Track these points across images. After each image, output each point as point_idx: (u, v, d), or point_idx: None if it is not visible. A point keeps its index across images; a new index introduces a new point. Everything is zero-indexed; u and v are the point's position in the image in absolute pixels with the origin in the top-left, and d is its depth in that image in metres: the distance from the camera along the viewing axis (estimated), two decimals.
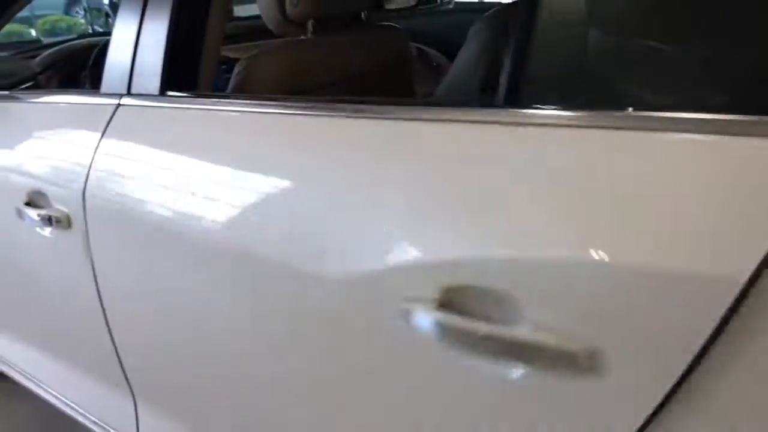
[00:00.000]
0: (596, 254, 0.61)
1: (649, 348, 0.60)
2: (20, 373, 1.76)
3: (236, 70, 1.28)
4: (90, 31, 11.37)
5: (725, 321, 0.55)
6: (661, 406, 0.60)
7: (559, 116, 0.69)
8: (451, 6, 3.21)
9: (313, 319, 0.88)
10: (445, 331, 0.72)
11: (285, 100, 1.04)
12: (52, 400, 1.69)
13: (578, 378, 0.64)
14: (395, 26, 1.52)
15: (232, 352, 1.07)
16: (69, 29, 11.44)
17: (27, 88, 1.94)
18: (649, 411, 0.61)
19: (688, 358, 0.57)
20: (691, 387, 0.58)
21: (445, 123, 0.79)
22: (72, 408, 1.59)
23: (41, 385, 1.67)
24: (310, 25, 1.31)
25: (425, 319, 0.73)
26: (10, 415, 2.10)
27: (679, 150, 0.60)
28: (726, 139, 0.58)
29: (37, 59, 2.12)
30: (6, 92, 1.60)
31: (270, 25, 1.30)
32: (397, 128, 0.84)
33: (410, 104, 0.91)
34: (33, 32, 9.90)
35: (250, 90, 1.26)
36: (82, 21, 12.11)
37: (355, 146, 0.87)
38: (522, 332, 0.66)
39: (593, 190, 0.64)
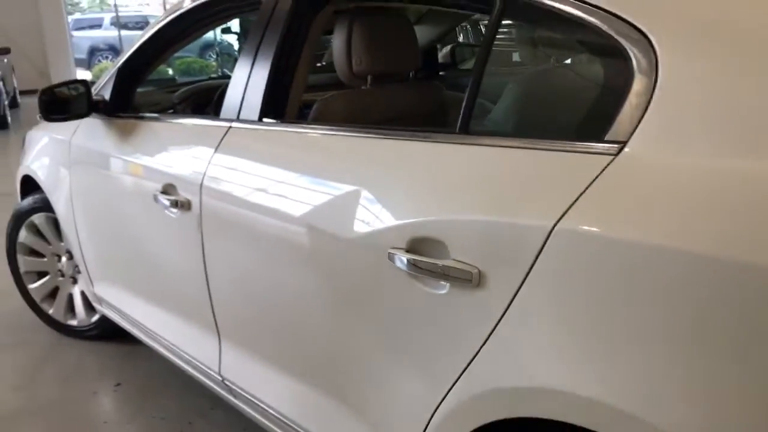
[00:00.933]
0: (474, 215, 1.06)
1: (503, 272, 1.03)
2: (135, 325, 2.32)
3: (314, 106, 1.78)
4: (219, 72, 12.56)
5: (536, 258, 0.98)
6: (507, 308, 1.03)
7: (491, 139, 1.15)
8: None
9: (344, 265, 1.35)
10: (410, 265, 1.17)
11: (345, 128, 1.52)
12: (157, 347, 2.23)
13: (474, 289, 1.08)
14: (435, 83, 2.00)
15: (293, 304, 1.54)
16: (201, 70, 12.70)
17: (168, 114, 2.55)
18: (503, 308, 1.04)
19: (519, 278, 1.00)
20: (522, 296, 1.01)
21: (421, 142, 1.26)
22: (171, 350, 2.12)
23: (150, 332, 2.21)
24: (369, 79, 1.82)
25: (401, 258, 1.19)
26: (134, 370, 2.69)
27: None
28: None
29: (176, 94, 2.76)
30: (155, 115, 2.20)
31: (341, 77, 1.82)
32: (400, 147, 1.31)
33: (419, 132, 1.37)
34: (170, 71, 11.10)
35: (322, 121, 1.76)
36: (213, 63, 13.37)
37: (379, 160, 1.35)
38: (447, 263, 1.11)
39: (487, 184, 1.09)
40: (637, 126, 0.96)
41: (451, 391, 1.15)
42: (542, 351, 1.00)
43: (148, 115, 2.21)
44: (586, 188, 0.96)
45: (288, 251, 1.50)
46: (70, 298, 2.92)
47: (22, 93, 12.25)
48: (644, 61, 0.98)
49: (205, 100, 2.68)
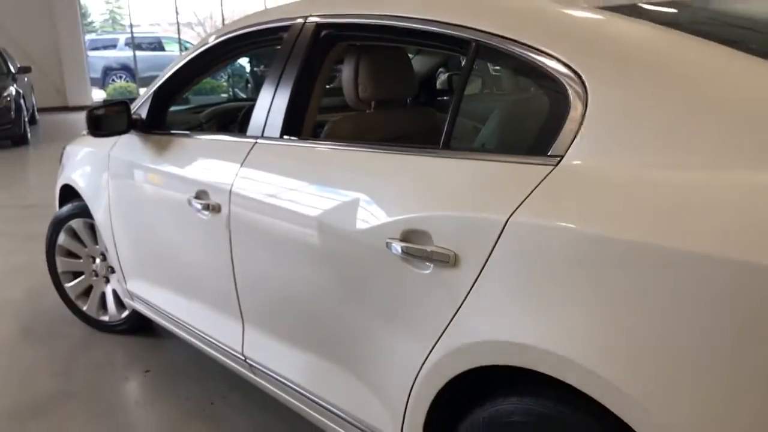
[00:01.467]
0: (451, 211, 1.39)
1: (472, 254, 1.35)
2: (164, 316, 2.64)
3: (326, 126, 2.12)
4: (231, 92, 12.96)
5: (495, 243, 1.30)
6: (475, 281, 1.35)
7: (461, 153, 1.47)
8: None
9: (351, 254, 1.67)
10: (403, 252, 1.49)
11: (352, 144, 1.84)
12: (184, 335, 2.55)
13: (451, 268, 1.40)
14: (429, 108, 2.34)
15: (307, 289, 1.86)
16: (212, 90, 13.11)
17: (198, 131, 2.89)
18: (472, 281, 1.35)
19: (483, 258, 1.32)
20: (486, 271, 1.33)
21: (410, 155, 1.59)
22: (197, 336, 2.43)
23: (179, 321, 2.53)
24: (372, 104, 2.15)
25: (396, 247, 1.51)
26: (160, 359, 3.01)
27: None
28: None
29: (203, 113, 3.12)
30: (187, 132, 2.54)
31: (348, 102, 2.16)
32: (391, 160, 1.64)
33: (407, 147, 1.70)
34: None
35: (333, 138, 2.08)
36: (225, 84, 13.79)
37: (380, 170, 1.67)
38: (431, 247, 1.43)
39: (455, 187, 1.42)
40: (571, 143, 1.28)
41: (434, 349, 1.47)
42: (500, 313, 1.32)
43: (181, 132, 2.55)
44: (533, 190, 1.28)
45: (305, 245, 1.83)
46: (103, 296, 3.25)
47: (40, 110, 12.70)
48: (578, 93, 1.31)
49: (228, 120, 3.04)
